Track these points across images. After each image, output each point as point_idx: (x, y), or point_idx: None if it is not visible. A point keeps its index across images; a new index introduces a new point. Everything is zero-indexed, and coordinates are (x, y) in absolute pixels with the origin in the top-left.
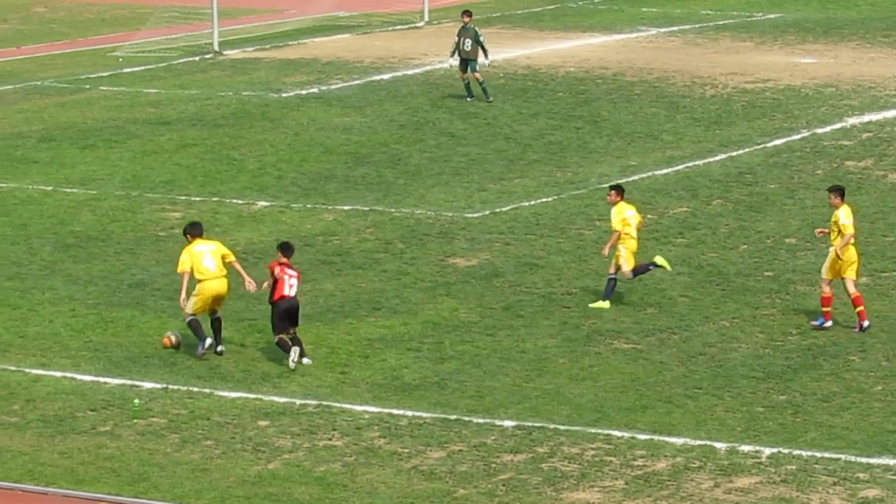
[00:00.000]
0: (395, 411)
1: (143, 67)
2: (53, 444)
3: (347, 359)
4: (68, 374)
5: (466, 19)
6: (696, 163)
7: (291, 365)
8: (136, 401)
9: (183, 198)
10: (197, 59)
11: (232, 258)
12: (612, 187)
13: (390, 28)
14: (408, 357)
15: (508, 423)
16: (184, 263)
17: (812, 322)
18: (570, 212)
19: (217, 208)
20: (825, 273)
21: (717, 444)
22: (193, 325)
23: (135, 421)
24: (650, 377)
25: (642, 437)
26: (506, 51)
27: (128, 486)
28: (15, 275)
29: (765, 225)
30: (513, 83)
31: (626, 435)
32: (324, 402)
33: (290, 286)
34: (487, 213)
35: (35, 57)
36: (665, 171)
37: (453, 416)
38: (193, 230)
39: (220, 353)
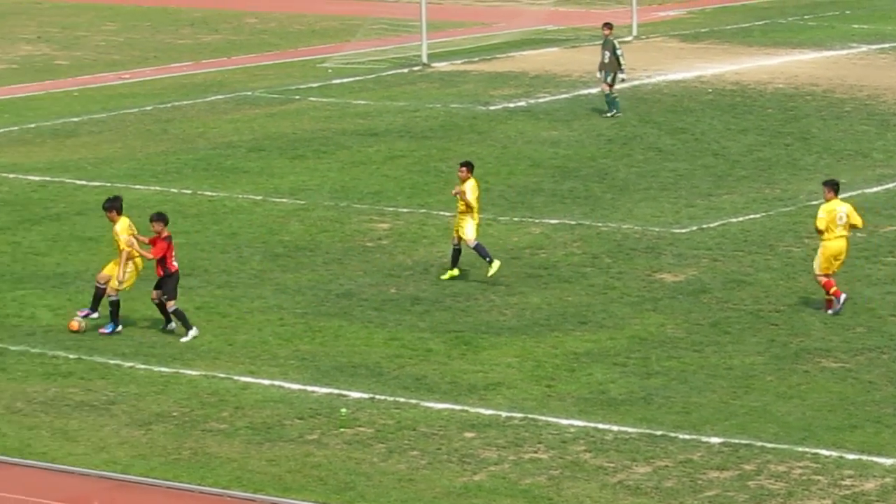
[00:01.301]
0: (600, 426)
1: (352, 79)
2: (261, 451)
3: (553, 372)
4: (276, 383)
5: (607, 32)
6: None
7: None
8: (344, 410)
9: (391, 209)
10: (406, 70)
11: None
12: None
13: (598, 42)
14: (614, 372)
15: (715, 440)
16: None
17: (827, 311)
18: (779, 229)
19: (424, 220)
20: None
21: None
22: (113, 306)
23: (342, 430)
24: (859, 396)
25: (850, 456)
26: (714, 66)
27: (334, 494)
28: (225, 283)
29: None
30: (721, 99)
31: (834, 454)
32: (530, 415)
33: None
34: (695, 228)
35: (246, 67)
36: (875, 189)
37: (659, 432)
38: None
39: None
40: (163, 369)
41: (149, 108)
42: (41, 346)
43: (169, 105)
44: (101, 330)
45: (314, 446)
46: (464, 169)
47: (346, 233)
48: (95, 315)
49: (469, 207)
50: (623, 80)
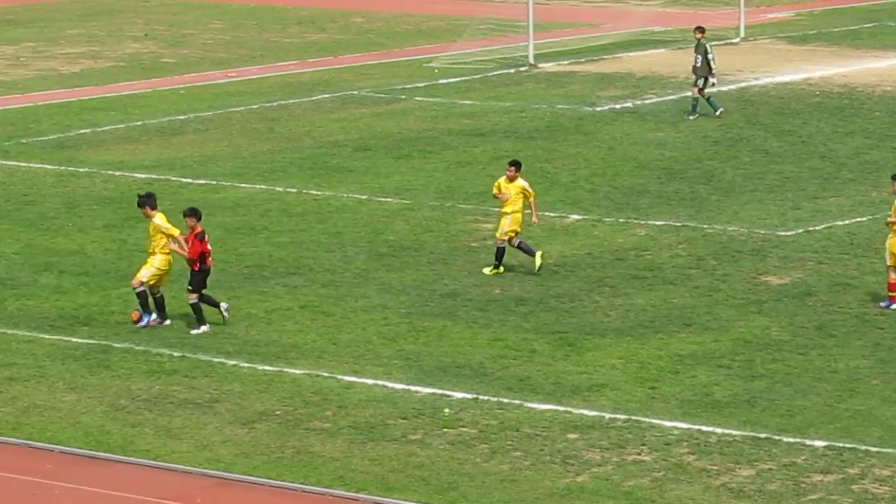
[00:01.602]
0: (704, 428)
1: (458, 79)
2: (364, 450)
3: (657, 374)
4: (380, 382)
5: (699, 35)
6: None
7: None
8: (447, 410)
9: (496, 209)
10: (512, 71)
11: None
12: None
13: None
14: (718, 374)
15: (819, 443)
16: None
17: (880, 304)
18: (885, 232)
19: (529, 220)
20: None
21: None
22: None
23: (445, 430)
24: None
25: None
26: (822, 69)
27: (437, 494)
28: (329, 282)
29: None
30: (829, 101)
31: None
32: (633, 417)
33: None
34: (801, 231)
35: (352, 66)
36: None
37: (763, 435)
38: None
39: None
40: (266, 368)
41: (255, 106)
42: (145, 344)
43: (275, 104)
44: (139, 323)
45: (417, 446)
46: (512, 168)
47: (450, 233)
48: (167, 322)
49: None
50: (713, 85)
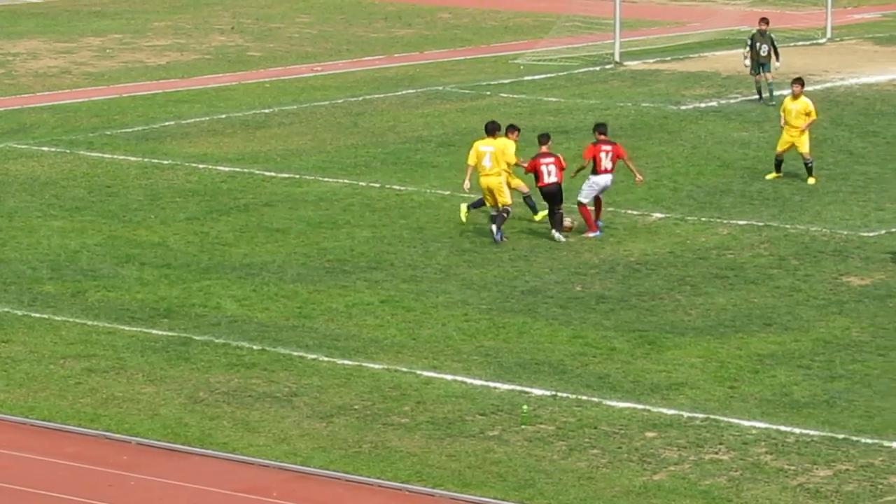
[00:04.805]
0: (782, 428)
1: (543, 76)
2: (442, 446)
3: (737, 373)
4: (459, 378)
5: (764, 26)
6: None
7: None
8: (525, 407)
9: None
10: (597, 69)
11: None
12: None
13: (792, 44)
14: (798, 374)
15: None
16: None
17: None
18: None
19: (612, 218)
20: None
21: None
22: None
23: (523, 427)
24: None
25: None
26: None
27: (514, 491)
28: (411, 277)
29: None
30: None
31: None
32: (711, 416)
33: (548, 173)
34: (884, 232)
35: (438, 62)
36: None
37: (841, 436)
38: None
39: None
40: (346, 362)
41: (340, 100)
42: (225, 337)
43: (360, 98)
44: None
45: (495, 442)
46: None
47: (533, 229)
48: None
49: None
50: (777, 68)
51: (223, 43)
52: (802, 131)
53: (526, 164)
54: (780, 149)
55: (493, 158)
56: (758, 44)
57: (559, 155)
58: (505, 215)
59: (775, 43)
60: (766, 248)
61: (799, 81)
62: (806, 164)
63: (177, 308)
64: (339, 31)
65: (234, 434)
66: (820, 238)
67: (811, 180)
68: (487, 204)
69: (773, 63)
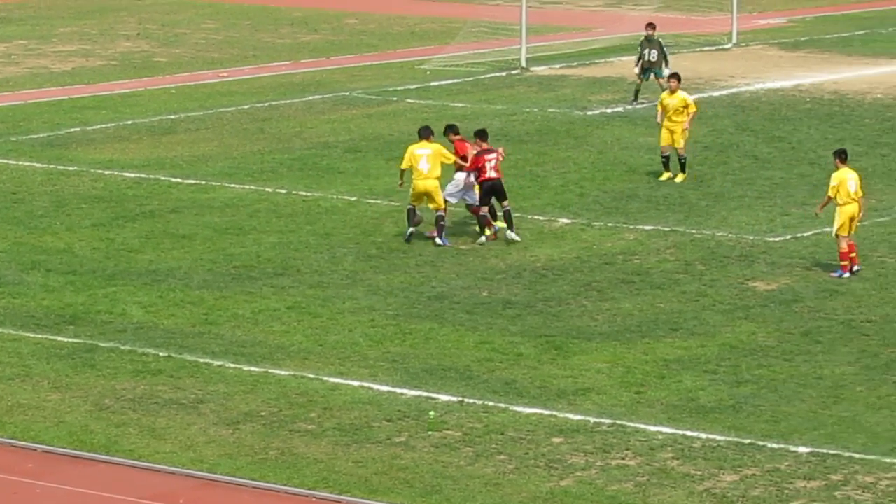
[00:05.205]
0: (689, 433)
1: (450, 81)
2: (349, 452)
3: (643, 379)
4: (366, 384)
5: (650, 31)
6: None
7: (483, 240)
8: (432, 413)
9: None
10: (504, 74)
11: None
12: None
13: (698, 49)
14: (704, 379)
15: (803, 450)
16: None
17: (832, 274)
18: (873, 239)
19: (519, 224)
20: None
21: None
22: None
23: (430, 433)
24: None
25: None
26: (813, 75)
27: (421, 497)
28: (317, 283)
29: None
30: (819, 108)
31: None
32: (618, 421)
33: (490, 168)
34: (789, 237)
35: (345, 68)
36: None
37: (747, 440)
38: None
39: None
40: (252, 369)
41: (246, 106)
42: (131, 344)
43: (266, 104)
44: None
45: (402, 449)
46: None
47: None
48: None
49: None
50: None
51: (129, 49)
52: (685, 128)
53: (467, 165)
54: (663, 144)
55: (430, 161)
56: (645, 49)
57: (500, 149)
58: (443, 223)
59: (664, 48)
60: (673, 254)
61: (675, 76)
62: (679, 160)
63: (82, 315)
64: (246, 37)
65: (140, 441)
66: (726, 243)
67: (680, 177)
68: (416, 206)
69: (664, 69)
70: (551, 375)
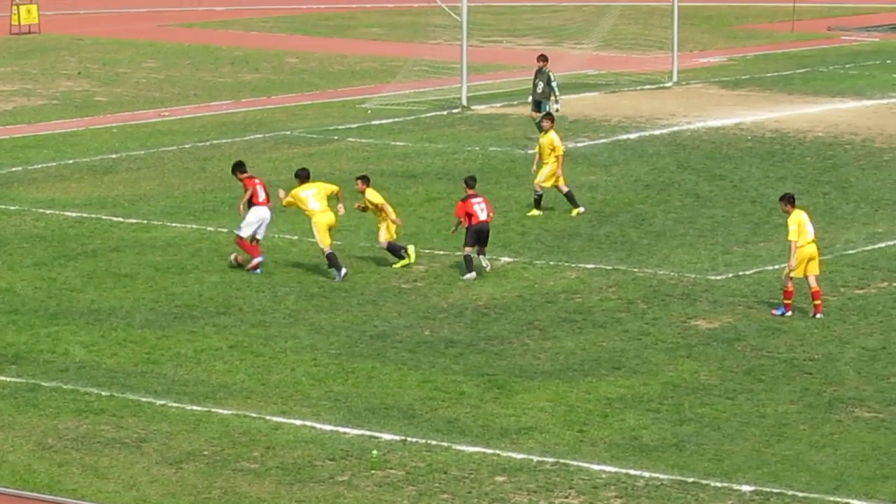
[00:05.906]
0: (632, 472)
1: (391, 120)
2: (292, 491)
3: (586, 417)
4: (308, 423)
5: (542, 63)
6: None
7: (470, 277)
8: (375, 452)
9: (427, 251)
10: (445, 113)
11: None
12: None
13: (639, 87)
14: (647, 418)
15: (746, 488)
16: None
17: (773, 312)
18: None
19: (461, 263)
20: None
21: None
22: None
23: (373, 472)
24: (892, 447)
25: None
26: (754, 114)
27: None
28: (259, 322)
29: None
30: (760, 146)
31: None
32: (561, 460)
33: (481, 210)
34: (731, 275)
35: (285, 107)
36: None
37: (691, 479)
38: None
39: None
40: (195, 408)
41: (187, 145)
42: (74, 383)
43: (208, 143)
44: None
45: (345, 488)
46: (359, 182)
47: (381, 274)
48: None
49: (380, 210)
50: (557, 111)
51: (70, 88)
52: (553, 170)
53: (456, 211)
54: (547, 185)
55: (319, 198)
56: (537, 80)
57: (484, 197)
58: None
59: (552, 82)
60: (615, 292)
61: (548, 117)
62: (535, 195)
63: (24, 354)
64: (186, 76)
65: (83, 480)
66: (668, 281)
67: (534, 212)
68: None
69: (552, 104)
70: (494, 414)
